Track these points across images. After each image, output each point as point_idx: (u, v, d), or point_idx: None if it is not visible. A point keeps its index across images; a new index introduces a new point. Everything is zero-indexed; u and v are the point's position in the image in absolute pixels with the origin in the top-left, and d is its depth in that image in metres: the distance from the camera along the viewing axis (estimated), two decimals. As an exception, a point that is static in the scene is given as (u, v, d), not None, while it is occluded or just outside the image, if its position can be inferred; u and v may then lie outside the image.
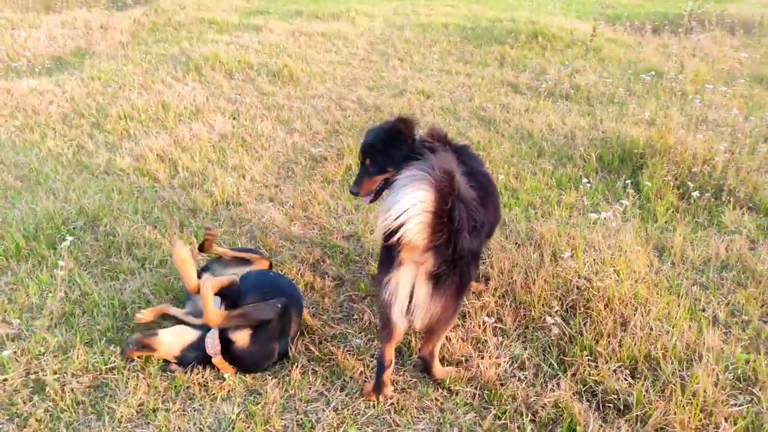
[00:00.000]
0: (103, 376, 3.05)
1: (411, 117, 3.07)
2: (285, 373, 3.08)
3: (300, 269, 3.91)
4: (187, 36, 10.85)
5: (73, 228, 4.29)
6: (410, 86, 7.93)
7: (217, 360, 2.98)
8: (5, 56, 9.19)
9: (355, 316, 3.50)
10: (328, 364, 3.15)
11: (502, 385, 2.98)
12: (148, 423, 2.78)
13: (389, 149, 3.05)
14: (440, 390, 2.98)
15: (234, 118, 6.62)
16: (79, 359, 3.11)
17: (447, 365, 3.10)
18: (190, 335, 3.06)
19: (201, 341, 3.02)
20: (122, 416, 2.79)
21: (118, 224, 4.33)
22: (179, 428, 2.74)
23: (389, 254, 2.49)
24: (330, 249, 4.17)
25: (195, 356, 3.04)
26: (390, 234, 2.28)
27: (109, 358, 3.13)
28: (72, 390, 2.94)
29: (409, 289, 2.51)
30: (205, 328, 3.05)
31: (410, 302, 2.53)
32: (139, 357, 3.07)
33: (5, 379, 2.99)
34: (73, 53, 9.79)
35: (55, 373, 3.03)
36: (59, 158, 5.62)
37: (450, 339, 3.21)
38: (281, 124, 6.55)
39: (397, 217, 2.22)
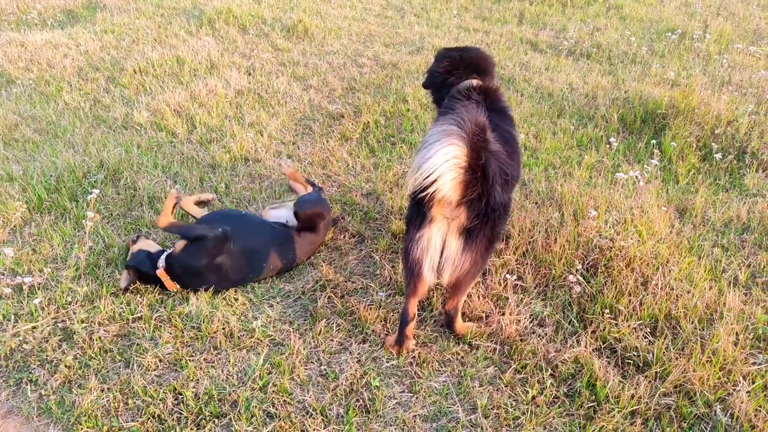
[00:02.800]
0: (129, 325, 3.12)
1: (457, 59, 3.26)
2: (308, 327, 3.13)
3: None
4: (199, -11, 10.63)
5: (95, 181, 4.31)
6: (427, 43, 7.77)
7: (161, 272, 3.30)
8: (16, 8, 9.07)
9: (377, 272, 3.53)
10: (350, 317, 3.20)
11: (522, 340, 3.02)
12: (177, 371, 2.85)
13: (430, 69, 3.50)
14: (461, 344, 3.02)
15: (249, 74, 6.54)
16: (106, 309, 3.17)
17: (468, 321, 3.14)
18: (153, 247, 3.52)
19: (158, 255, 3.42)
20: (150, 364, 2.86)
21: (139, 178, 4.35)
22: (207, 376, 2.81)
23: (419, 210, 2.47)
24: (350, 206, 4.17)
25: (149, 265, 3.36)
26: (421, 191, 2.26)
27: (136, 308, 3.20)
28: (99, 338, 3.01)
29: (441, 244, 2.50)
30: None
31: (441, 257, 2.53)
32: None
33: (35, 327, 3.06)
34: (84, 6, 9.62)
35: (83, 322, 3.10)
36: (76, 112, 5.60)
37: (471, 295, 3.23)
38: (297, 80, 6.46)
39: (429, 175, 2.19)
